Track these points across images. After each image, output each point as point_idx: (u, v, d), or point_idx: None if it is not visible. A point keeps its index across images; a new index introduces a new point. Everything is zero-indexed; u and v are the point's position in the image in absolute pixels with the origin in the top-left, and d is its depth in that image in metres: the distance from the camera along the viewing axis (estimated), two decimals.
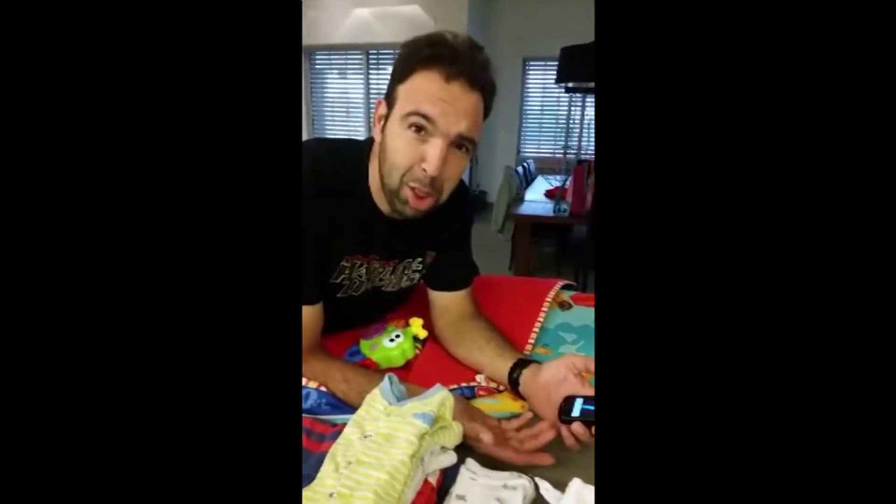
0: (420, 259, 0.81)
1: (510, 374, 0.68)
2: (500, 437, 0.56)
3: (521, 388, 0.66)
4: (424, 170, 0.63)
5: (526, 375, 0.66)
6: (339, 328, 0.80)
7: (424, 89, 0.62)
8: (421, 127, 0.62)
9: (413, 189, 0.65)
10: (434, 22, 4.47)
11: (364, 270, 0.76)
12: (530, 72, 5.35)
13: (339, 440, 0.49)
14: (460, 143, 0.64)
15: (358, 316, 0.83)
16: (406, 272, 0.82)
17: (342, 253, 0.73)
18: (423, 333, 0.80)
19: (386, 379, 0.55)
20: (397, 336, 0.77)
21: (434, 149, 0.62)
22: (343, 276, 0.75)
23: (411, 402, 0.51)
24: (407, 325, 0.81)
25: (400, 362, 0.75)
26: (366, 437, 0.48)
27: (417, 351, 0.78)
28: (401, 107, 0.63)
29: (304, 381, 0.64)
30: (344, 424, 0.52)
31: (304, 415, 0.60)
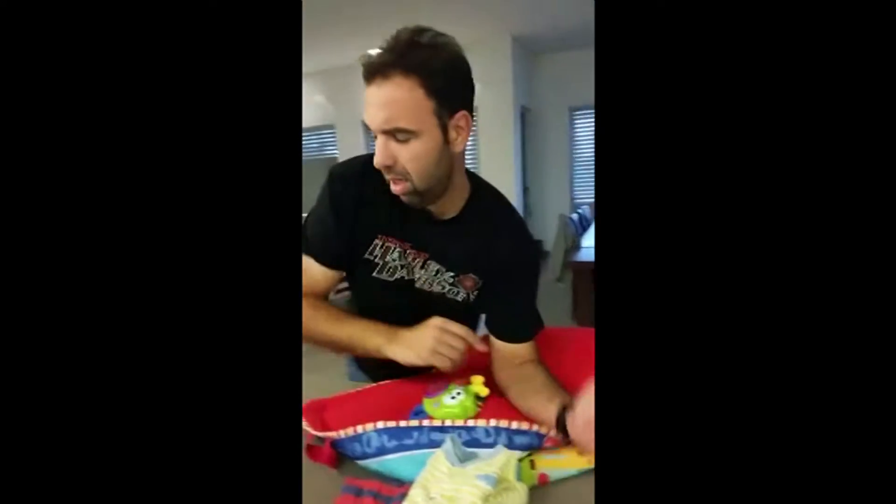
0: (453, 274, 0.83)
1: (558, 418, 0.66)
2: None
3: (568, 429, 0.64)
4: None
5: (568, 415, 0.64)
6: (374, 316, 0.81)
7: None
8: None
9: (391, 178, 0.74)
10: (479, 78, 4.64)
11: (397, 255, 0.81)
12: (577, 120, 5.42)
13: (405, 502, 0.50)
14: (394, 134, 0.69)
15: (392, 311, 0.82)
16: (438, 276, 0.84)
17: (375, 230, 0.79)
18: (484, 391, 0.79)
19: (448, 440, 0.56)
20: (458, 394, 0.77)
21: (376, 144, 0.71)
22: (376, 253, 0.80)
23: (475, 464, 0.51)
24: (468, 382, 0.81)
25: (461, 420, 0.75)
26: (431, 498, 0.49)
27: (479, 408, 0.78)
28: None
29: (360, 428, 0.65)
30: (410, 484, 0.53)
31: (369, 479, 0.61)
